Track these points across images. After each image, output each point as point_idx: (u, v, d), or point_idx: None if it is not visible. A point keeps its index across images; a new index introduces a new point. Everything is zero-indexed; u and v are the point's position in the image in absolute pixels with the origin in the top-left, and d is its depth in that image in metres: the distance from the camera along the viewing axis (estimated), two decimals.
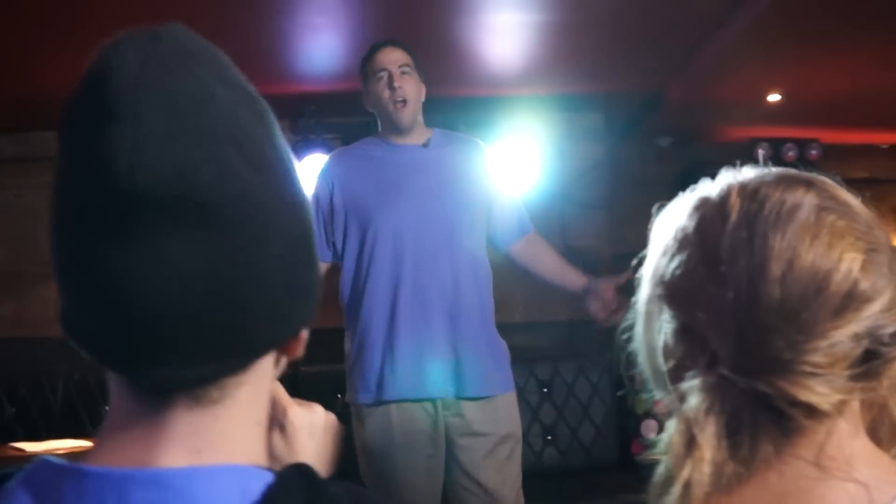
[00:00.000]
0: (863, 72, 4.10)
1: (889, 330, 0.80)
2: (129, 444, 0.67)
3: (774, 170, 0.90)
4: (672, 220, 0.91)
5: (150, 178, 0.58)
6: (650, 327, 0.90)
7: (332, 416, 0.99)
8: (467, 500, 2.61)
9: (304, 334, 0.76)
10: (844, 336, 0.78)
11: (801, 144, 5.16)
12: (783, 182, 0.86)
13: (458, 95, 4.60)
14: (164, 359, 0.64)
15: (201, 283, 0.62)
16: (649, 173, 4.93)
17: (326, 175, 2.71)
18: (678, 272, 0.87)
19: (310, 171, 4.56)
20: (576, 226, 4.69)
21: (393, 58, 2.66)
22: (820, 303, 0.79)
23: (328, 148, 4.56)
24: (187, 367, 0.65)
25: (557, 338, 4.59)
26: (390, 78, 2.63)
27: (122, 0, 3.04)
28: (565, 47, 3.99)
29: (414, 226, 2.59)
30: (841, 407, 0.80)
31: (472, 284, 2.62)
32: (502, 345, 2.71)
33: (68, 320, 0.67)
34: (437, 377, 2.56)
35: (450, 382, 2.57)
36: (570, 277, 2.76)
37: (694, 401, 0.82)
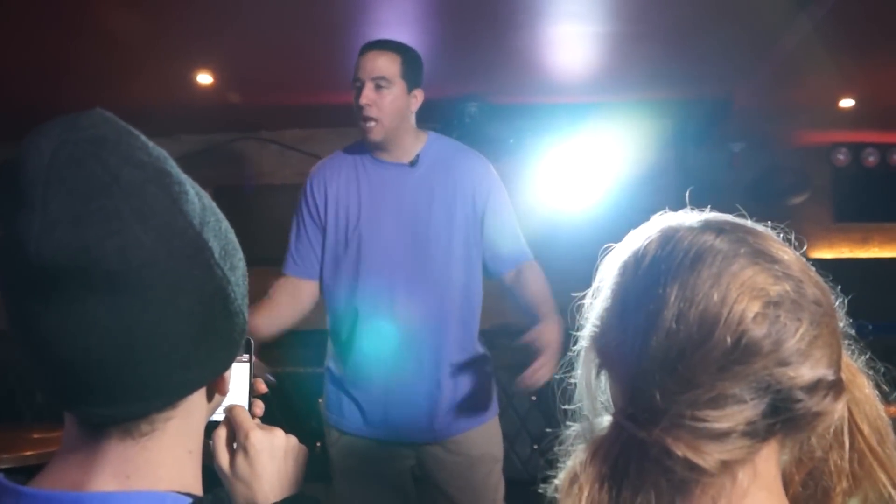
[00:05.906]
0: None
1: (798, 383, 0.74)
2: (70, 468, 0.79)
3: (705, 214, 0.86)
4: (608, 261, 0.91)
5: (56, 255, 0.69)
6: (584, 364, 0.92)
7: (293, 440, 1.05)
8: None
9: (228, 374, 0.87)
10: (734, 389, 0.73)
11: (883, 149, 5.00)
12: (700, 227, 0.83)
13: (524, 103, 4.67)
14: (90, 399, 0.75)
15: (114, 338, 0.73)
16: (721, 179, 4.80)
17: (315, 186, 2.52)
18: (599, 315, 0.88)
19: None
20: None
21: (370, 66, 2.36)
22: (702, 354, 0.74)
23: None
24: (112, 405, 0.76)
25: None
26: (359, 91, 2.36)
27: None
28: (629, 57, 3.99)
29: (398, 252, 2.42)
30: (731, 465, 0.75)
31: (456, 315, 2.45)
32: (486, 372, 2.54)
33: (22, 364, 0.79)
34: (413, 425, 2.45)
35: (426, 431, 2.46)
36: (535, 318, 2.35)
37: (587, 442, 0.83)
